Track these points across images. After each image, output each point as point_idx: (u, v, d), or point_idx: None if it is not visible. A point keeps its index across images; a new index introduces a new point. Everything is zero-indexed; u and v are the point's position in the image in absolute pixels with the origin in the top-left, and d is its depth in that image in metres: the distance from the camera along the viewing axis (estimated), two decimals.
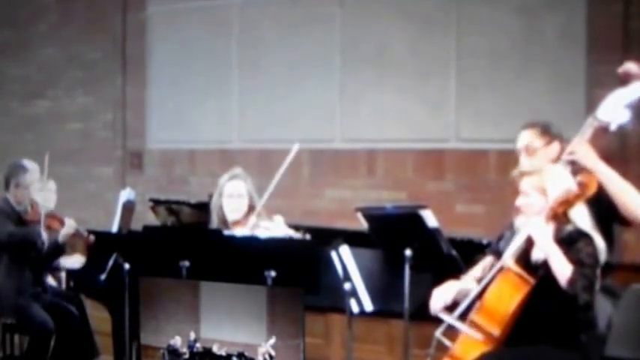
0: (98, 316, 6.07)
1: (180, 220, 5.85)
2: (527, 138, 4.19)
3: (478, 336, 3.71)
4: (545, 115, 5.88)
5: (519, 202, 3.85)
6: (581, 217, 3.74)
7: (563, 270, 3.63)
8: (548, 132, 4.19)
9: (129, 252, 4.84)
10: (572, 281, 3.60)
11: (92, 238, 5.53)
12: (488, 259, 4.03)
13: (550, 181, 3.76)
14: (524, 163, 4.14)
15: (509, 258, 3.78)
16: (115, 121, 8.20)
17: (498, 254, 3.93)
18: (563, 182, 3.74)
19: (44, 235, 5.48)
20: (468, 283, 3.97)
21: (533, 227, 3.74)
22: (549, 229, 3.74)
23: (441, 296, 3.92)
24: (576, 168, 3.89)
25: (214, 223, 4.90)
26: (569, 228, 3.73)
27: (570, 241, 3.70)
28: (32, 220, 5.61)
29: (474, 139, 6.39)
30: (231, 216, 4.84)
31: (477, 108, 6.39)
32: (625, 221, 3.94)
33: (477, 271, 4.06)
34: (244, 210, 4.84)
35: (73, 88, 8.52)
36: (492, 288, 3.78)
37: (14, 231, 5.52)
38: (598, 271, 3.70)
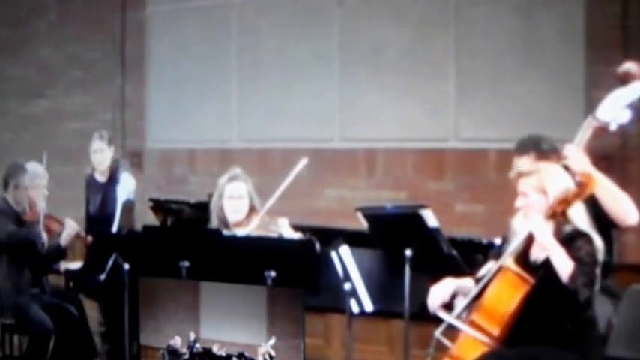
0: (97, 318, 6.07)
1: (180, 220, 5.85)
2: (522, 167, 4.16)
3: (477, 335, 3.72)
4: (545, 115, 5.93)
5: (519, 203, 3.85)
6: (579, 217, 3.75)
7: (564, 266, 3.64)
8: (541, 154, 4.19)
9: (128, 252, 4.84)
10: (573, 277, 3.61)
11: (89, 238, 5.53)
12: (491, 263, 4.03)
13: (550, 180, 3.77)
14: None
15: (508, 257, 3.79)
16: (114, 120, 8.19)
17: (500, 256, 3.93)
18: (562, 181, 3.75)
19: (44, 236, 5.47)
20: (466, 280, 3.97)
21: (534, 225, 3.74)
22: (549, 226, 3.74)
23: (438, 294, 3.93)
24: (569, 173, 3.90)
25: (214, 224, 4.89)
26: (568, 228, 3.74)
27: (569, 241, 3.71)
28: (31, 220, 5.61)
29: (473, 138, 6.39)
30: (232, 217, 4.84)
31: (477, 108, 6.39)
32: (617, 225, 3.97)
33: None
34: (245, 211, 4.84)
35: (72, 88, 8.51)
36: (492, 287, 3.79)
37: (14, 231, 5.52)
38: (597, 270, 3.71)
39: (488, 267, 3.97)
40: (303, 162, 4.83)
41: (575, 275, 3.61)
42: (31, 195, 5.61)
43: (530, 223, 3.76)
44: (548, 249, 3.69)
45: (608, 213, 3.92)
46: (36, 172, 5.67)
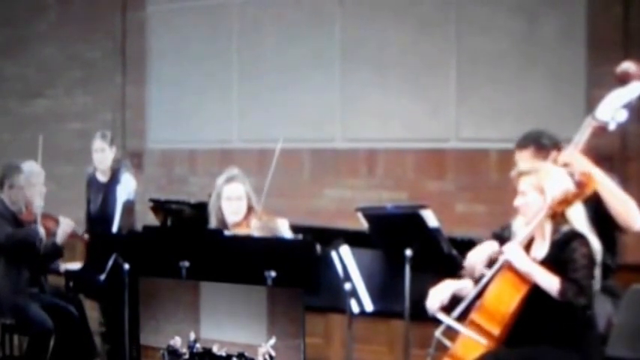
0: (97, 318, 6.07)
1: (180, 220, 5.84)
2: (522, 162, 4.17)
3: (476, 337, 3.72)
4: (545, 114, 5.92)
5: (517, 202, 3.86)
6: (578, 218, 3.76)
7: (550, 284, 3.66)
8: (541, 148, 4.20)
9: (128, 252, 4.83)
10: (562, 292, 3.63)
11: (86, 236, 5.52)
12: (487, 243, 4.01)
13: (548, 180, 3.77)
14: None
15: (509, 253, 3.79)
16: (114, 120, 8.19)
17: (501, 240, 3.92)
18: (561, 181, 3.75)
19: (42, 232, 5.47)
20: (465, 282, 3.97)
21: (509, 253, 3.76)
22: (523, 252, 3.76)
23: (437, 296, 3.93)
24: (570, 172, 3.90)
25: (213, 224, 4.89)
26: (564, 229, 3.75)
27: (565, 241, 3.72)
28: (27, 220, 5.60)
29: (474, 138, 6.39)
30: (231, 219, 4.84)
31: (477, 108, 6.39)
32: (620, 227, 3.97)
33: (477, 255, 4.03)
34: (244, 212, 4.83)
35: (72, 88, 8.51)
36: (492, 287, 3.79)
37: (12, 233, 5.51)
38: (597, 271, 3.71)
39: (484, 246, 3.98)
40: (279, 144, 4.93)
41: (564, 289, 3.63)
42: (27, 194, 5.60)
43: (506, 252, 3.78)
44: (529, 273, 3.71)
45: (614, 215, 3.92)
46: (32, 171, 5.66)
